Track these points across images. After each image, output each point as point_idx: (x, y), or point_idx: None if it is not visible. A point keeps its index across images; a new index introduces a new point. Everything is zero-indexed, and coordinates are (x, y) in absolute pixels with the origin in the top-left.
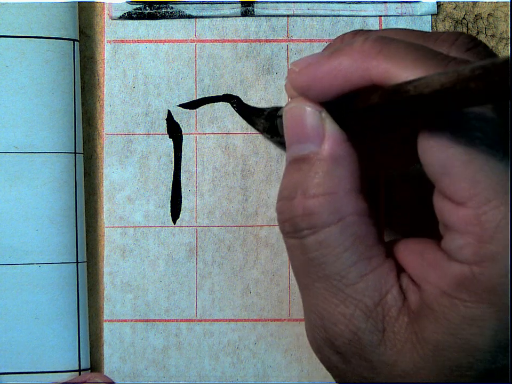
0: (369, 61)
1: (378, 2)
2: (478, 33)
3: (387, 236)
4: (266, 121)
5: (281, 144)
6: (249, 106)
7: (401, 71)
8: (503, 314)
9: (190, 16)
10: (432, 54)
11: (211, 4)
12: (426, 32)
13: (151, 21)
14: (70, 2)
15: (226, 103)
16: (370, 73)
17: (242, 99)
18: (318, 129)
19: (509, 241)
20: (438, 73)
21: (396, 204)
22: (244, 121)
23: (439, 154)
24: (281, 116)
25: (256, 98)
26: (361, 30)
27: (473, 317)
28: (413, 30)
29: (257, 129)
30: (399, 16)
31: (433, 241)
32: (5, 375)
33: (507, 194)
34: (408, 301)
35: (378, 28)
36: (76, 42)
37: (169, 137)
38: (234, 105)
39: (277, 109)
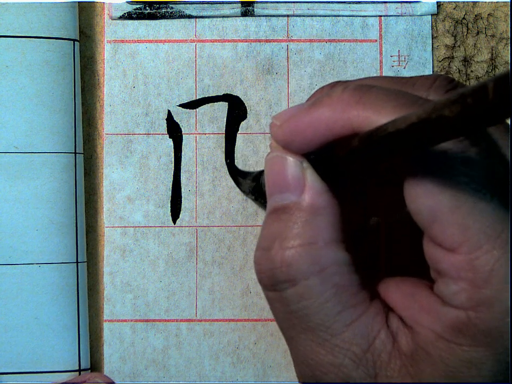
0: (349, 110)
1: (378, 2)
2: (478, 33)
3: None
4: (252, 182)
5: (266, 206)
6: (237, 168)
7: (382, 119)
8: (501, 356)
9: (190, 16)
10: (413, 100)
11: (211, 3)
12: (403, 77)
13: (151, 21)
14: (70, 2)
15: (226, 103)
16: (351, 122)
17: (242, 99)
18: (298, 179)
19: (503, 285)
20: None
21: (394, 244)
22: (244, 121)
23: (426, 202)
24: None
25: (256, 98)
26: (340, 80)
27: (471, 360)
28: (391, 77)
29: (243, 191)
30: (399, 16)
31: (424, 283)
32: (5, 375)
33: (499, 237)
34: (398, 343)
35: (378, 28)
36: (76, 42)
37: (169, 137)
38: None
39: (263, 171)
